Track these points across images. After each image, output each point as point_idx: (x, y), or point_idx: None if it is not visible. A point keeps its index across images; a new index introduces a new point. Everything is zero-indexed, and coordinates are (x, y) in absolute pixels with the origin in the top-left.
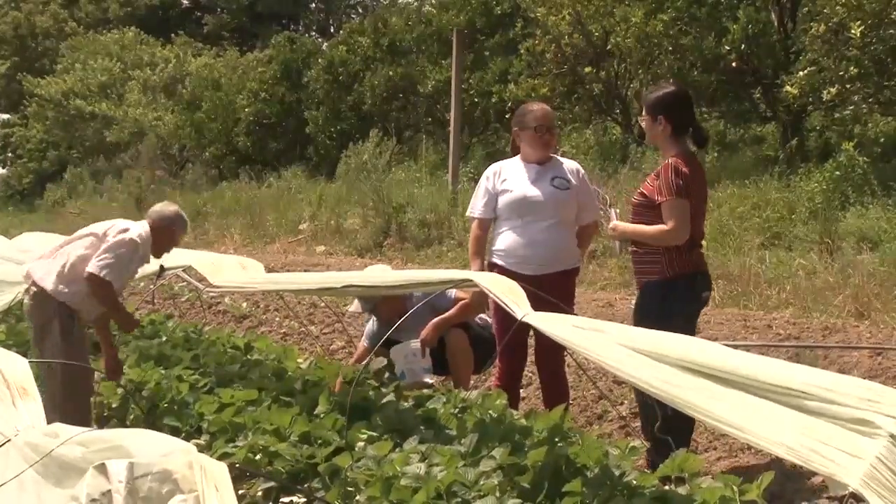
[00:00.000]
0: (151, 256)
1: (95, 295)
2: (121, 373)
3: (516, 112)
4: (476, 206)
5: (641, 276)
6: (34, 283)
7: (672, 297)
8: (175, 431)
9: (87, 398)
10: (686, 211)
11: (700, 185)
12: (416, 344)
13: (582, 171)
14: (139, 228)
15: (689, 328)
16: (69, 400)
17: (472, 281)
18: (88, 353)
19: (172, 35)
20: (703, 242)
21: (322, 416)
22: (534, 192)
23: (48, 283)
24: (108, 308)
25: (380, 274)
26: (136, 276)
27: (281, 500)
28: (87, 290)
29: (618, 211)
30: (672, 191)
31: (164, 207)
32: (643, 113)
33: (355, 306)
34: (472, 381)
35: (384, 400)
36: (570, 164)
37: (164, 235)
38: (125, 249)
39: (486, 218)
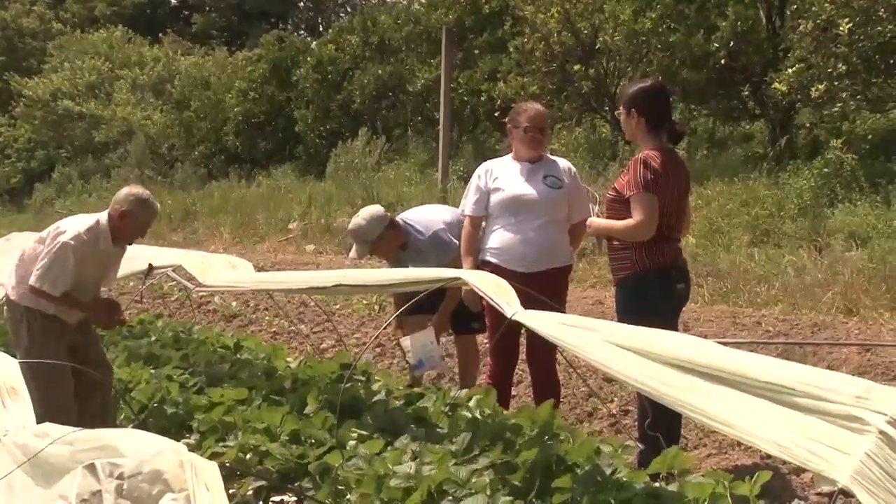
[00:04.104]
0: (129, 248)
1: (47, 302)
2: (112, 316)
3: (512, 109)
4: (468, 204)
5: (615, 273)
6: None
7: (646, 293)
8: (165, 431)
9: (68, 397)
10: (653, 205)
11: (677, 180)
12: (430, 333)
13: (574, 169)
14: (77, 227)
15: (668, 323)
16: (49, 399)
17: (462, 279)
18: (65, 353)
19: (161, 34)
20: (688, 238)
21: (312, 414)
22: (526, 190)
23: (11, 292)
24: (64, 309)
25: (365, 272)
26: (119, 271)
27: (272, 499)
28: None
29: (597, 208)
30: (639, 185)
31: (120, 192)
32: (620, 107)
33: (353, 253)
34: None
35: (375, 398)
36: (562, 163)
37: (123, 222)
38: (56, 254)
39: (477, 216)
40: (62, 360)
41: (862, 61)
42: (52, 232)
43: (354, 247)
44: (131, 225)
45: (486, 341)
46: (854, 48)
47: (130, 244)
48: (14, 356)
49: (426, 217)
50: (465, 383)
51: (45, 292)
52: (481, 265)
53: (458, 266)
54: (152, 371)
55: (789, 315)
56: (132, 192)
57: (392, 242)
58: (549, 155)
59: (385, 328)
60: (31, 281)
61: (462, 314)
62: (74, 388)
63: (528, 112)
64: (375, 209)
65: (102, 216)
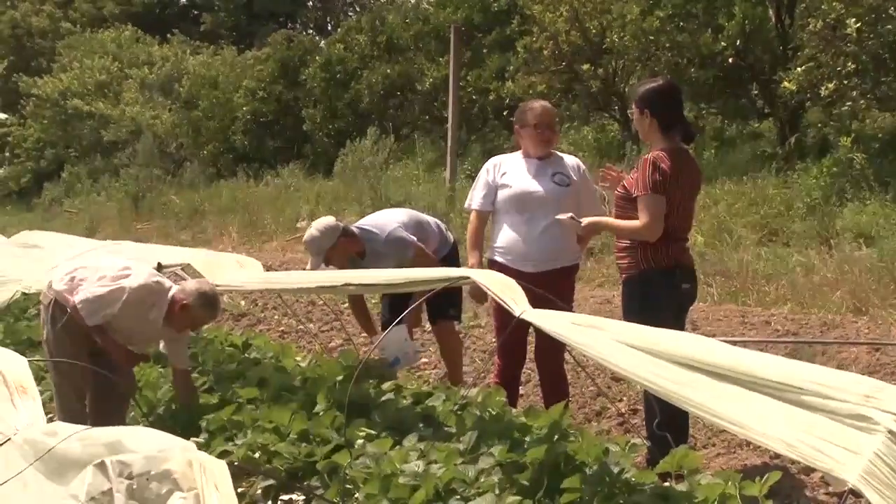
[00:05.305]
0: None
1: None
2: (132, 361)
3: (518, 109)
4: (475, 198)
5: (622, 272)
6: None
7: (652, 292)
8: (174, 430)
9: (79, 394)
10: (660, 207)
11: (687, 180)
12: (402, 330)
13: (583, 167)
14: (145, 281)
15: (673, 322)
16: (62, 392)
17: (471, 278)
18: (84, 354)
19: (169, 34)
20: (696, 237)
21: (321, 413)
22: (534, 187)
23: (55, 282)
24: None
25: (374, 272)
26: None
27: (280, 498)
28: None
29: (604, 207)
30: (648, 186)
31: (191, 283)
32: (633, 107)
33: (309, 265)
34: (471, 379)
35: (383, 397)
36: (571, 161)
37: (181, 312)
38: (111, 292)
39: (484, 210)
40: (79, 360)
41: (871, 60)
42: (121, 269)
43: (311, 259)
44: (187, 318)
45: (493, 340)
46: (863, 46)
47: (179, 332)
48: (23, 354)
49: (381, 220)
50: (453, 371)
51: (79, 314)
52: (489, 264)
53: (419, 262)
54: (161, 370)
55: (798, 314)
56: (202, 289)
57: (346, 250)
58: (558, 152)
59: (391, 329)
60: (77, 298)
61: (437, 302)
62: (91, 389)
63: (535, 110)
64: (328, 220)
65: (172, 292)
